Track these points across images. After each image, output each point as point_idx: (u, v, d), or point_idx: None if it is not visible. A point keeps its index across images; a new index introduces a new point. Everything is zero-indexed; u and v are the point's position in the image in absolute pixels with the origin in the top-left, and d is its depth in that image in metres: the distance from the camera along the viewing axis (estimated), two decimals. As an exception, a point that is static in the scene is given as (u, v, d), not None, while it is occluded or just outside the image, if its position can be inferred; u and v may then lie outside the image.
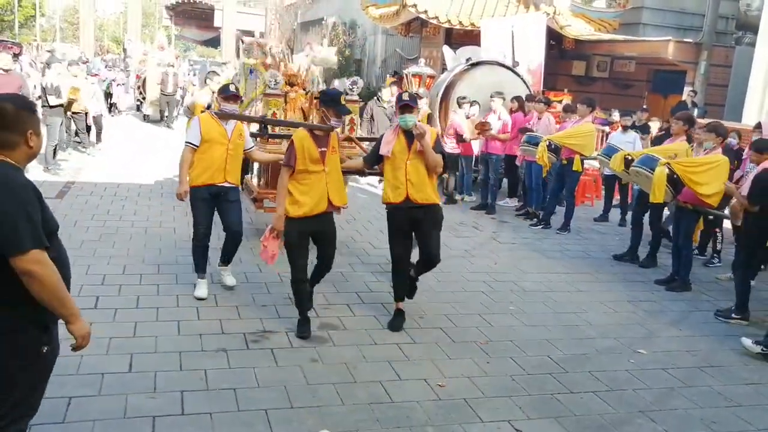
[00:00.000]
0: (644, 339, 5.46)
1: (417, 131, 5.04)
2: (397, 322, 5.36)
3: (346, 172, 5.83)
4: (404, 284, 5.47)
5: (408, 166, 5.16)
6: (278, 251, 5.16)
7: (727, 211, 6.60)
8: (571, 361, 4.91)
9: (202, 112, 6.81)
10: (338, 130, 5.41)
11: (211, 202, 5.75)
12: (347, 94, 7.27)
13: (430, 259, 5.36)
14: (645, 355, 5.12)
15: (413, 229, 5.35)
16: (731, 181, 6.67)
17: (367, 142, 6.71)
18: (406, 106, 5.17)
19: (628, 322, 5.84)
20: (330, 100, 5.16)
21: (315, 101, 7.21)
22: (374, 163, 5.55)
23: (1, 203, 2.37)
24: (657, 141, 9.30)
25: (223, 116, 5.75)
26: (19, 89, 8.62)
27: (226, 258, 6.02)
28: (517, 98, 10.34)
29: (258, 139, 6.66)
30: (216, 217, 5.88)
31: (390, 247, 5.49)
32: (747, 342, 5.33)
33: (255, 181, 8.20)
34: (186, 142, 5.74)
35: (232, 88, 6.07)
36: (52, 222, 2.61)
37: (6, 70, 8.86)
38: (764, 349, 5.26)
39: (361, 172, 6.52)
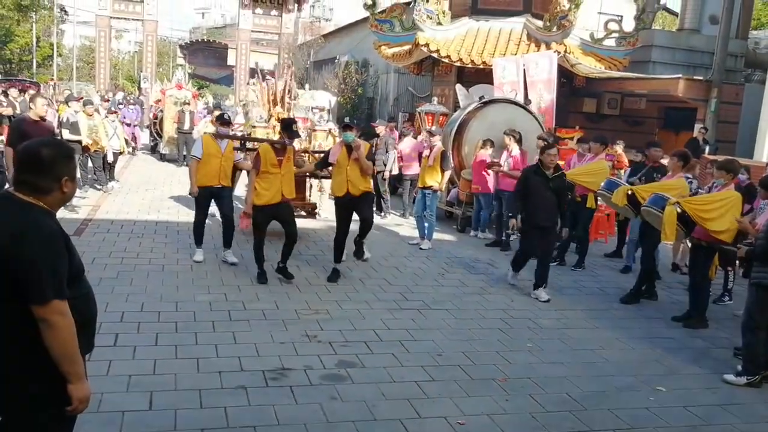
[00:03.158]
0: (663, 376, 5.43)
1: (354, 144, 7.35)
2: (333, 277, 7.56)
3: (303, 173, 8.52)
4: (341, 251, 7.68)
5: (348, 169, 7.38)
6: (250, 224, 7.37)
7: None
8: (590, 399, 4.89)
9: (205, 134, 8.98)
10: (296, 145, 8.13)
11: (209, 198, 7.96)
12: (318, 123, 11.55)
13: (367, 223, 7.55)
14: (665, 393, 5.10)
15: (355, 210, 7.52)
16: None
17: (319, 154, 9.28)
18: (346, 126, 7.63)
19: (647, 359, 5.82)
20: (285, 127, 7.42)
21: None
22: (323, 167, 7.96)
23: (30, 253, 2.39)
24: (633, 172, 9.14)
25: (219, 136, 7.99)
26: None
27: (227, 241, 8.03)
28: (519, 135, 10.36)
29: (241, 151, 9.11)
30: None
31: (336, 225, 7.69)
32: (731, 378, 5.38)
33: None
34: (192, 156, 8.06)
35: (225, 116, 8.53)
36: (80, 266, 2.65)
37: (42, 119, 8.82)
38: (749, 378, 5.31)
39: (314, 174, 9.25)
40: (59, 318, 2.42)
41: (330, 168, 7.87)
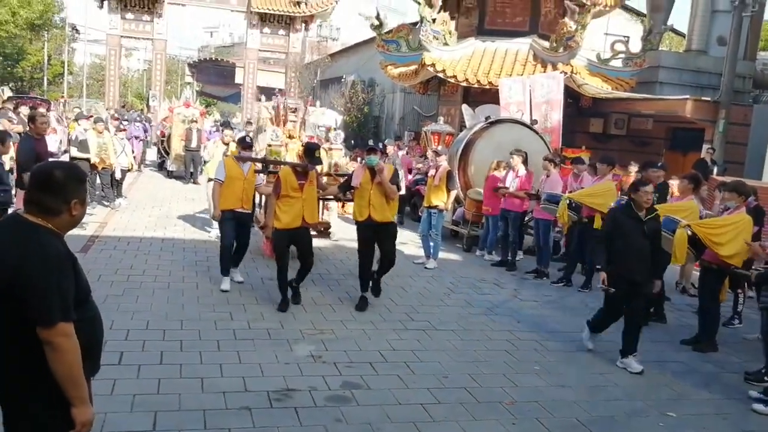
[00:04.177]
0: (673, 401, 5.35)
1: (377, 167, 7.08)
2: (361, 305, 7.25)
3: (326, 196, 8.52)
4: (367, 280, 7.38)
5: (371, 194, 7.13)
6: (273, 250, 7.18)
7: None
8: (598, 424, 4.82)
9: (225, 155, 9.03)
10: (320, 169, 7.95)
11: (233, 222, 7.66)
12: (332, 142, 10.76)
13: (388, 259, 7.37)
14: (675, 419, 5.02)
15: (376, 240, 7.26)
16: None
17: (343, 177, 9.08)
18: (371, 149, 7.48)
19: (656, 383, 5.74)
20: (308, 152, 7.19)
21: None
22: (347, 190, 7.69)
23: (36, 274, 2.39)
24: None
25: (241, 159, 7.80)
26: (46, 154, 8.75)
27: (237, 262, 7.93)
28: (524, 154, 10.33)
29: (263, 174, 8.79)
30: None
31: (358, 252, 7.37)
32: (760, 407, 5.25)
33: (262, 213, 9.84)
34: (215, 179, 7.79)
35: (247, 139, 8.42)
36: (86, 288, 2.65)
37: (41, 136, 8.88)
38: None
39: (336, 198, 9.09)
40: (64, 340, 2.41)
41: (352, 191, 7.60)
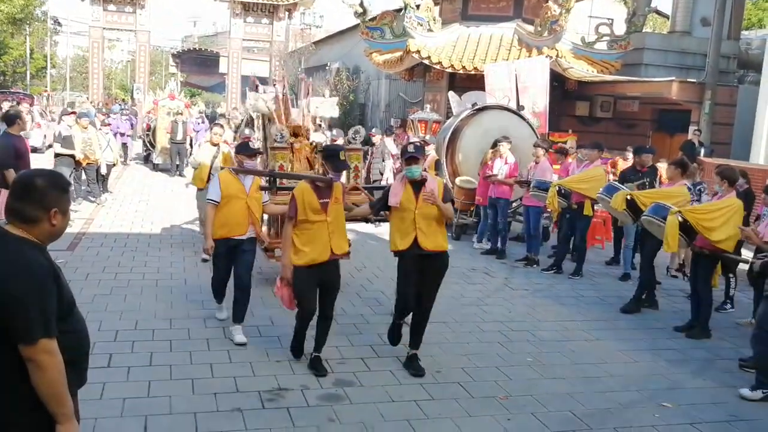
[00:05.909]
0: (668, 391, 5.32)
1: (426, 197, 5.24)
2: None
3: (353, 219, 6.09)
4: (399, 330, 5.73)
5: (416, 214, 5.31)
6: (292, 297, 5.31)
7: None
8: (594, 417, 4.78)
9: (222, 168, 7.08)
10: (344, 180, 5.91)
11: (230, 253, 5.98)
12: (350, 142, 7.90)
13: (425, 308, 5.51)
14: (670, 409, 4.98)
15: (422, 275, 5.39)
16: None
17: (374, 191, 7.06)
18: (412, 158, 5.35)
19: (650, 372, 5.71)
20: (329, 156, 5.52)
21: (318, 152, 7.54)
22: (380, 210, 5.73)
23: (15, 289, 2.32)
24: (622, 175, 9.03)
25: (241, 172, 6.06)
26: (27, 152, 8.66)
27: (237, 315, 5.98)
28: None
29: (268, 192, 6.65)
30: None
31: (397, 292, 5.60)
32: (746, 392, 5.22)
33: (265, 231, 7.97)
34: (208, 200, 6.03)
35: (250, 145, 6.56)
36: (70, 299, 2.57)
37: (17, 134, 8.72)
38: (765, 391, 5.17)
39: (366, 219, 6.68)
40: (46, 357, 2.35)
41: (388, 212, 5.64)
